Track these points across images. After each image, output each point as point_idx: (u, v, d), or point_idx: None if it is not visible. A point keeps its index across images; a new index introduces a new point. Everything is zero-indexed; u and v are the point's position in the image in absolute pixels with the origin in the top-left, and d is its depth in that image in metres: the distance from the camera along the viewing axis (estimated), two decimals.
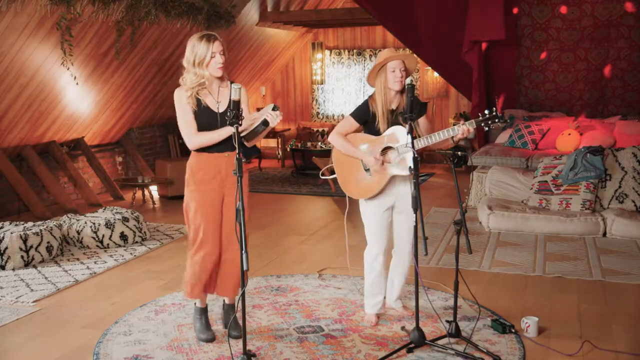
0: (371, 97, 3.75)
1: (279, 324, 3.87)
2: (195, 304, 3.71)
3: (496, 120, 3.49)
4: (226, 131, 3.38)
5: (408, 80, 3.55)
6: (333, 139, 3.79)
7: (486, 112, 3.52)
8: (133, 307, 4.22)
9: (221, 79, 3.52)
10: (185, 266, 3.63)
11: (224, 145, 3.46)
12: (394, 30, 8.59)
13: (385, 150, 3.67)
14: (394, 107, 3.69)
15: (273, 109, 3.29)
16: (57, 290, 4.57)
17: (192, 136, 3.45)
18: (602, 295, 4.32)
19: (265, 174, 10.02)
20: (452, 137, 3.59)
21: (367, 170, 3.70)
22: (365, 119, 3.74)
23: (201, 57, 3.36)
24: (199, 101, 3.44)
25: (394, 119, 3.68)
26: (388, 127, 3.67)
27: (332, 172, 3.88)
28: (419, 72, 10.49)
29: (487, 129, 3.51)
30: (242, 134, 3.34)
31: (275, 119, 3.27)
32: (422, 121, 3.77)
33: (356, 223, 3.96)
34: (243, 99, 3.47)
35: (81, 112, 7.59)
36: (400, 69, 3.62)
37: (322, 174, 4.37)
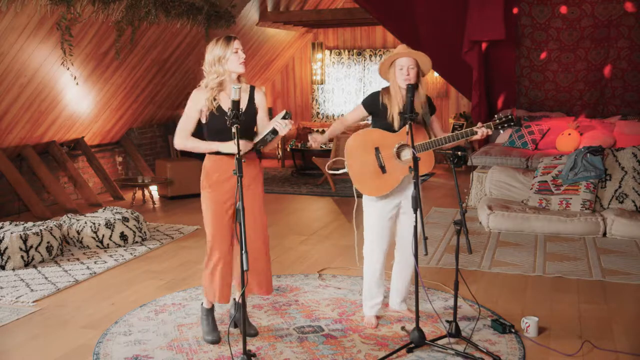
0: (385, 89, 3.71)
1: (279, 324, 3.87)
2: (202, 304, 3.71)
3: (512, 124, 3.51)
4: (215, 146, 3.44)
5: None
6: (335, 122, 3.90)
7: (502, 115, 3.53)
8: (133, 307, 4.22)
9: (239, 81, 3.53)
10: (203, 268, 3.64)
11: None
12: (394, 30, 8.59)
13: (401, 147, 3.66)
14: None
15: (284, 117, 3.30)
16: (57, 290, 4.58)
17: (183, 137, 3.51)
18: (602, 295, 4.33)
19: (265, 174, 10.03)
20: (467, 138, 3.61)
21: (382, 167, 3.65)
22: (373, 110, 3.70)
23: (219, 55, 3.42)
24: (219, 104, 3.46)
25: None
26: (402, 123, 3.62)
27: (335, 169, 3.83)
28: None
29: (502, 131, 3.51)
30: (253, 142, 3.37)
31: (284, 128, 3.30)
32: (434, 119, 3.76)
33: (359, 221, 3.95)
34: (261, 105, 3.57)
35: (81, 112, 7.59)
36: (409, 67, 3.55)
37: (329, 168, 4.37)
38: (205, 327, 3.66)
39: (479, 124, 3.58)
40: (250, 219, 3.48)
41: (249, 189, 3.53)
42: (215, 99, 3.45)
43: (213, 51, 3.44)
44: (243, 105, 3.49)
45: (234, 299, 3.83)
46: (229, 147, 3.40)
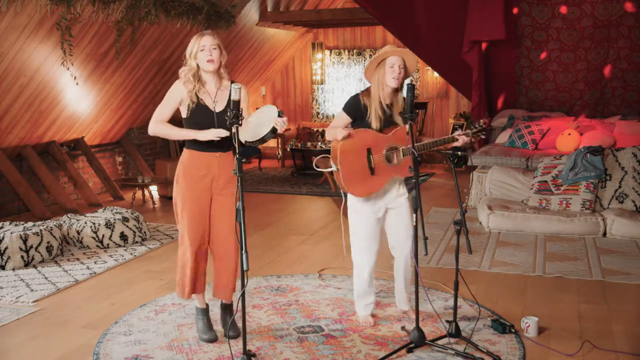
0: (363, 92, 3.72)
1: (279, 324, 3.87)
2: (196, 304, 3.71)
3: (483, 132, 3.76)
4: (192, 134, 3.45)
5: (408, 80, 3.54)
6: (328, 132, 3.74)
7: (476, 124, 3.79)
8: (133, 307, 4.22)
9: (220, 79, 3.52)
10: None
11: (216, 146, 3.48)
12: (394, 30, 8.59)
13: (390, 151, 3.66)
14: (387, 102, 3.68)
15: (279, 116, 3.25)
16: (57, 290, 4.58)
17: (157, 122, 3.53)
18: (602, 295, 4.33)
19: (265, 174, 10.02)
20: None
21: (371, 168, 3.66)
22: (356, 114, 3.70)
23: (191, 50, 3.47)
24: (198, 99, 3.45)
25: (387, 117, 3.67)
26: (381, 124, 3.64)
27: (326, 166, 3.84)
28: (419, 72, 10.49)
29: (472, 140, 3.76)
30: (249, 141, 3.32)
31: (283, 126, 3.25)
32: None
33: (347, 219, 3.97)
34: (243, 99, 3.44)
35: (81, 112, 7.59)
36: (399, 65, 3.58)
37: (317, 165, 4.30)
38: (202, 327, 3.66)
39: (458, 132, 3.73)
40: (226, 223, 3.51)
41: (225, 190, 3.54)
42: (197, 93, 3.45)
43: (190, 45, 3.48)
44: (224, 103, 3.49)
45: (221, 301, 3.78)
46: (207, 134, 3.37)
